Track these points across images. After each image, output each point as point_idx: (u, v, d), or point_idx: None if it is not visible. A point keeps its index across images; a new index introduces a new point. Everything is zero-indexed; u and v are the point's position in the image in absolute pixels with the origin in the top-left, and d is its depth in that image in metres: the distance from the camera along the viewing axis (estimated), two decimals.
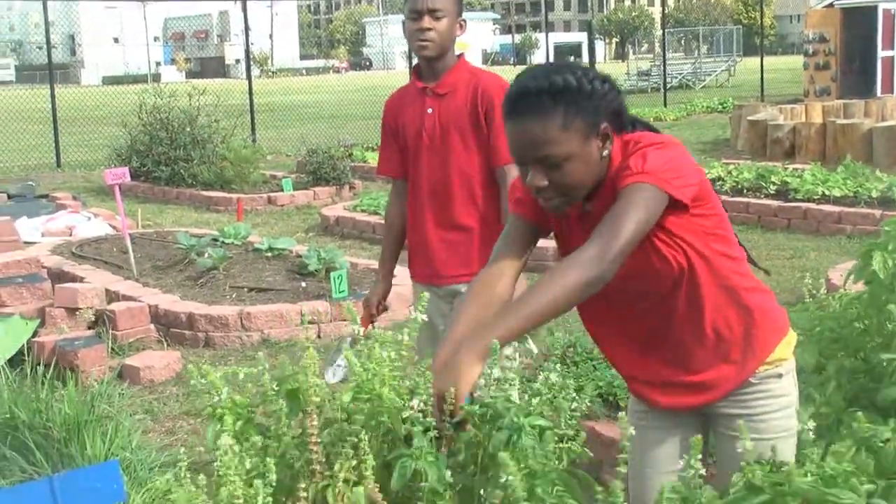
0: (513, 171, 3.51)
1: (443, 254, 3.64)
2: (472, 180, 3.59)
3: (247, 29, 20.67)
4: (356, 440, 1.69)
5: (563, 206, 2.20)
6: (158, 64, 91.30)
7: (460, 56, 3.66)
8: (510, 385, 1.95)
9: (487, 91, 3.55)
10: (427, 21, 3.51)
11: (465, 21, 3.64)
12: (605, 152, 2.18)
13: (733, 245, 2.34)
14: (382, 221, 9.77)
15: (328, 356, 3.66)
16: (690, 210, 2.18)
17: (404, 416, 1.79)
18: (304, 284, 7.20)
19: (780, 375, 2.38)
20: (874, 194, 9.64)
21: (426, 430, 1.76)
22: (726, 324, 2.32)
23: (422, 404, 1.83)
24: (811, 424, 2.07)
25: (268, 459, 1.65)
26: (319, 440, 1.74)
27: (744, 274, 2.36)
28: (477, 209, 3.61)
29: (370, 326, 3.83)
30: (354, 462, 1.70)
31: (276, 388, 1.84)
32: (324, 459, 1.74)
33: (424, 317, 2.17)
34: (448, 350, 1.98)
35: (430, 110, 3.61)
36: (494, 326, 1.96)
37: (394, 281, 3.97)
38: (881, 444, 1.94)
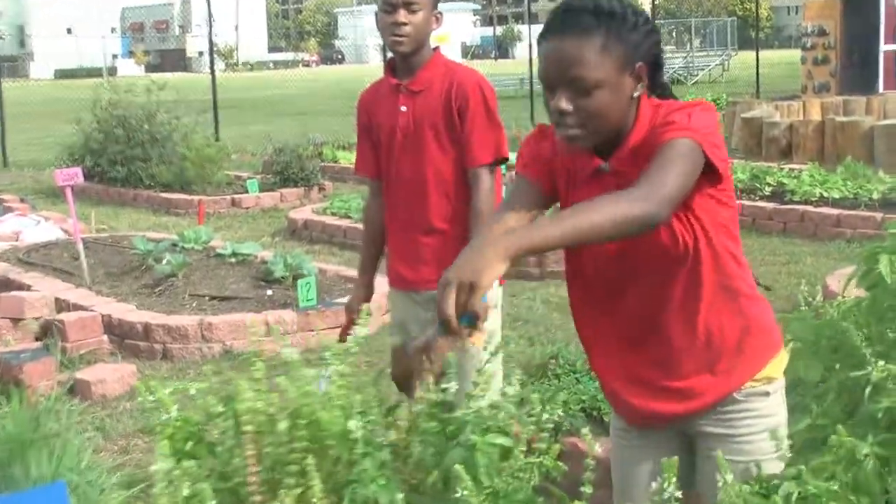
0: (485, 174, 3.55)
1: (423, 257, 3.66)
2: (447, 181, 3.61)
3: (210, 19, 20.63)
4: (300, 467, 1.68)
5: (580, 140, 2.21)
6: (115, 56, 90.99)
7: (436, 50, 3.67)
8: (481, 391, 1.94)
9: (462, 86, 3.57)
10: (402, 14, 3.52)
11: (441, 14, 3.65)
12: (636, 93, 2.22)
13: (740, 249, 2.37)
14: (354, 225, 9.92)
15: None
16: (716, 189, 2.22)
17: (352, 439, 1.76)
18: (269, 292, 7.18)
19: (767, 394, 2.38)
20: (875, 196, 9.70)
21: (368, 454, 1.73)
22: (719, 328, 2.32)
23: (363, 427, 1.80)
24: (787, 444, 2.08)
25: (205, 486, 1.63)
26: (260, 468, 1.72)
27: (747, 280, 2.37)
28: (452, 210, 3.62)
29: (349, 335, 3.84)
30: (299, 490, 1.68)
31: (223, 408, 1.82)
32: (266, 488, 1.72)
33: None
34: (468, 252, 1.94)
35: (403, 108, 3.62)
36: (531, 230, 1.96)
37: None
38: (860, 460, 1.95)
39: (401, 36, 3.53)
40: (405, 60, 3.62)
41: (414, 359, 1.96)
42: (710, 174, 2.16)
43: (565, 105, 2.17)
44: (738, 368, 2.35)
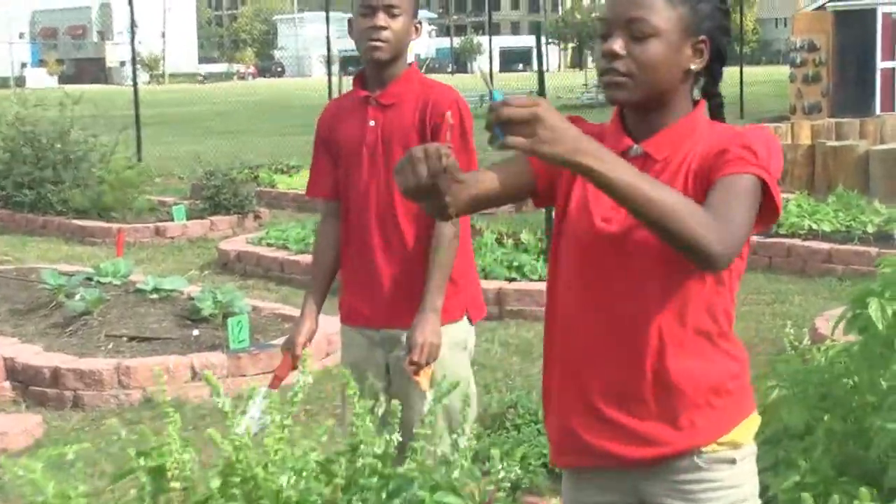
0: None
1: (383, 290, 3.69)
2: (412, 211, 3.63)
3: (133, 25, 20.58)
4: None
5: (624, 91, 2.31)
6: (24, 65, 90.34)
7: (411, 64, 3.74)
8: (439, 439, 1.95)
9: (439, 105, 3.63)
10: (382, 18, 3.57)
11: (420, 23, 3.75)
12: (693, 66, 2.35)
13: (734, 301, 2.42)
14: (292, 257, 9.93)
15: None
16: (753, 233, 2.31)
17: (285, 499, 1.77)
18: (196, 332, 7.15)
19: (733, 462, 2.39)
20: (870, 229, 9.83)
21: None
22: (689, 376, 2.34)
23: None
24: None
25: None
26: None
27: (729, 336, 2.41)
28: (416, 239, 3.66)
29: (293, 368, 3.87)
30: None
31: (139, 464, 1.82)
32: None
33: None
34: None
35: (372, 123, 3.67)
36: (612, 156, 2.03)
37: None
38: None
39: (379, 41, 3.58)
40: (378, 71, 3.67)
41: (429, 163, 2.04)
42: (760, 216, 2.24)
43: (619, 47, 2.30)
44: (702, 426, 2.36)
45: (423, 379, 3.55)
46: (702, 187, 2.24)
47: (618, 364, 2.37)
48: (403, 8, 3.62)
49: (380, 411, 2.07)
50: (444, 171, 2.07)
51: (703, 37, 2.35)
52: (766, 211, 2.25)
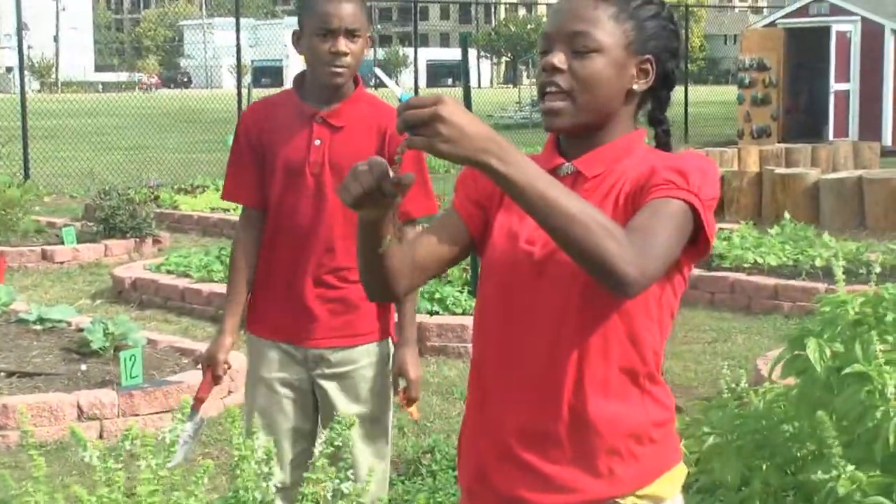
0: (407, 232, 3.66)
1: (312, 311, 3.78)
2: (352, 234, 3.67)
3: (20, 27, 20.38)
4: None
5: (563, 114, 2.36)
6: None
7: (357, 81, 3.82)
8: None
9: (398, 137, 3.64)
10: (343, 43, 3.66)
11: (372, 36, 3.84)
12: (636, 87, 2.41)
13: (665, 338, 2.43)
14: (194, 286, 9.88)
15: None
16: (686, 262, 2.35)
17: None
18: (83, 367, 7.09)
19: None
20: (818, 263, 9.94)
21: None
22: (609, 418, 2.35)
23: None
24: None
25: None
26: None
27: (656, 377, 2.43)
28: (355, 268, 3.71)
29: (215, 385, 3.98)
30: None
31: None
32: None
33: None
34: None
35: (317, 142, 3.73)
36: (526, 159, 2.07)
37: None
38: None
39: (342, 67, 3.66)
40: (326, 89, 3.74)
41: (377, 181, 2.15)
42: (690, 246, 2.28)
43: (559, 62, 2.35)
44: (621, 474, 2.37)
45: (414, 409, 3.88)
46: (632, 211, 2.27)
47: (534, 402, 2.38)
48: (362, 28, 3.71)
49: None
50: (388, 178, 2.14)
51: (648, 56, 2.41)
52: (697, 242, 2.28)
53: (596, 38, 2.35)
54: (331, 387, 3.78)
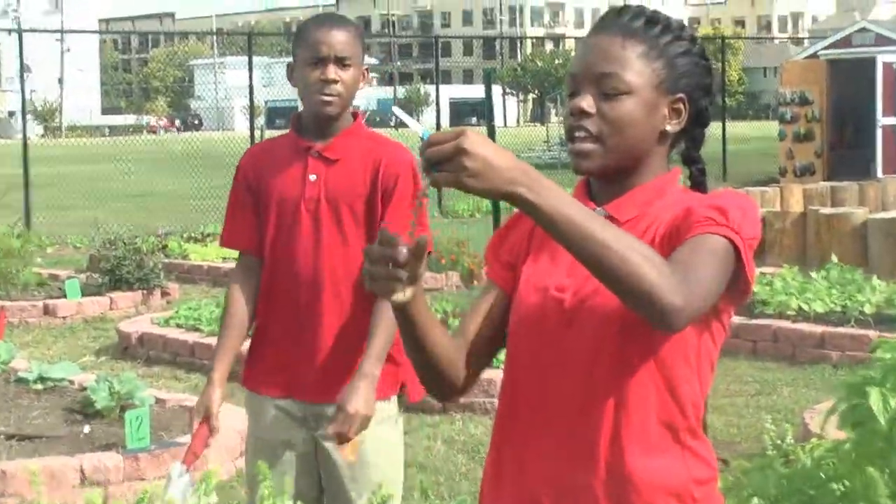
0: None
1: (322, 361, 3.79)
2: (355, 275, 3.75)
3: (22, 69, 20.54)
4: None
5: (592, 157, 2.37)
6: None
7: (356, 116, 3.89)
8: None
9: (393, 168, 3.79)
10: (333, 71, 3.73)
11: (368, 69, 3.91)
12: (669, 128, 2.42)
13: (707, 389, 2.42)
14: (205, 340, 9.85)
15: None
16: (726, 307, 2.35)
17: None
18: (87, 429, 7.08)
19: None
20: (868, 310, 9.88)
21: None
22: (649, 468, 2.32)
23: None
24: None
25: None
26: None
27: (699, 425, 2.41)
28: (364, 308, 3.75)
29: (208, 445, 3.94)
30: None
31: None
32: None
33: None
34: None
35: (313, 177, 3.79)
36: (558, 189, 2.06)
37: None
38: None
39: (331, 96, 3.73)
40: (320, 121, 3.81)
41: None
42: (730, 289, 2.27)
43: (587, 105, 2.36)
44: None
45: (348, 449, 3.67)
46: (668, 253, 2.25)
47: (568, 456, 2.37)
48: (354, 58, 3.78)
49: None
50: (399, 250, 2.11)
51: (680, 95, 2.41)
52: (737, 284, 2.27)
53: (625, 79, 2.36)
54: (334, 448, 3.75)
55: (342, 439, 3.65)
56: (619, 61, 2.37)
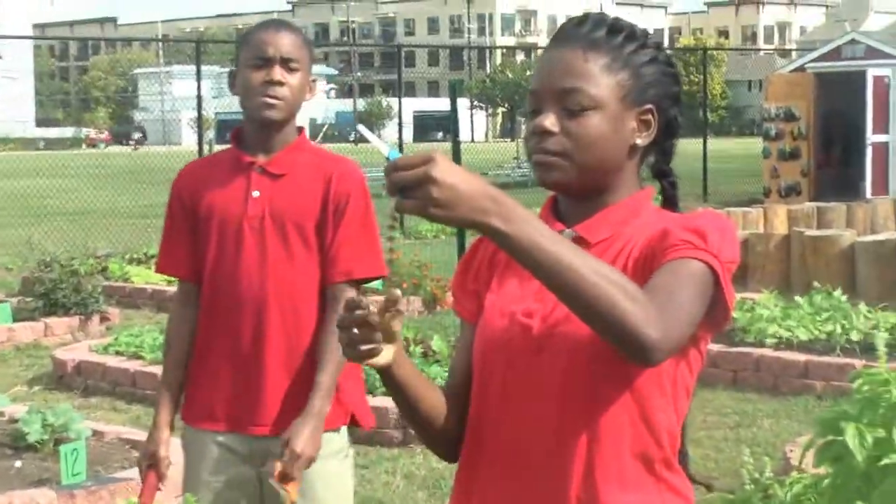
0: (347, 293, 3.68)
1: (267, 391, 3.79)
2: (298, 295, 3.79)
3: None
4: None
5: (558, 175, 2.39)
6: None
7: (301, 130, 3.90)
8: None
9: (344, 185, 3.81)
10: (279, 72, 3.74)
11: (315, 80, 3.92)
12: (638, 141, 2.43)
13: (683, 420, 2.44)
14: (147, 369, 9.84)
15: None
16: (704, 333, 2.37)
17: None
18: (17, 464, 7.06)
19: None
20: (855, 337, 9.92)
21: None
22: (623, 502, 2.37)
23: None
24: None
25: None
26: None
27: (675, 457, 2.44)
28: (310, 335, 3.80)
29: (159, 490, 3.93)
30: None
31: None
32: None
33: None
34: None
35: (256, 193, 3.79)
36: (532, 218, 2.08)
37: None
38: None
39: (275, 98, 3.74)
40: (263, 133, 3.82)
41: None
42: (708, 316, 2.29)
43: (550, 124, 2.37)
44: None
45: (292, 489, 3.68)
46: (643, 278, 2.28)
47: (538, 492, 2.39)
48: (301, 63, 3.80)
49: None
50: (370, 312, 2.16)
51: (648, 106, 2.43)
52: (715, 310, 2.29)
53: (589, 93, 2.37)
54: (277, 486, 3.73)
55: (286, 479, 3.66)
56: (582, 75, 2.38)
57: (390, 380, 2.32)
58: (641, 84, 2.42)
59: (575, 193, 2.44)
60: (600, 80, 2.38)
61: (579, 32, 2.43)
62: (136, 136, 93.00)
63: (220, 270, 3.82)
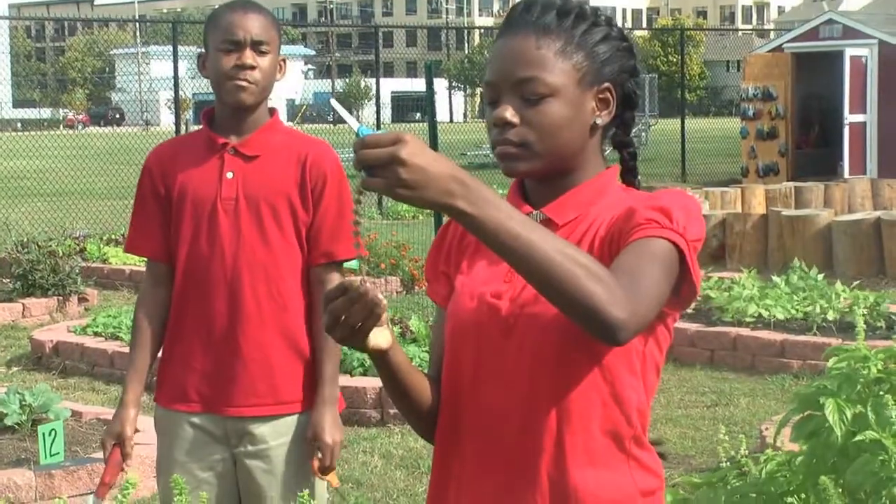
0: (336, 276, 3.74)
1: (242, 372, 3.81)
2: (279, 279, 3.81)
3: None
4: None
5: (522, 163, 2.40)
6: None
7: (273, 111, 3.91)
8: None
9: (319, 163, 3.82)
10: (250, 55, 3.75)
11: (285, 60, 3.91)
12: (599, 121, 2.45)
13: (652, 395, 2.47)
14: (125, 349, 9.80)
15: None
16: (671, 310, 2.39)
17: None
18: None
19: None
20: (831, 316, 10.00)
21: None
22: (592, 479, 2.37)
23: None
24: None
25: None
26: None
27: (645, 435, 2.46)
28: (286, 315, 3.82)
29: (123, 471, 3.90)
30: None
31: None
32: None
33: None
34: None
35: (229, 174, 3.80)
36: (497, 200, 2.09)
37: None
38: None
39: (246, 82, 3.74)
40: (236, 115, 3.82)
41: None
42: (675, 293, 2.32)
43: (510, 115, 2.38)
44: None
45: (332, 478, 3.85)
46: (609, 257, 2.31)
47: (510, 471, 2.41)
48: (271, 45, 3.80)
49: None
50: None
51: (606, 84, 2.45)
52: (682, 288, 2.32)
53: (546, 81, 2.39)
54: (256, 467, 3.81)
55: (325, 471, 3.81)
56: (535, 63, 2.39)
57: (385, 365, 2.35)
58: (597, 64, 2.44)
59: (540, 177, 2.46)
60: (555, 65, 2.39)
61: (529, 18, 2.43)
62: (80, 116, 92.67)
63: (194, 251, 3.82)
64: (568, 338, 2.31)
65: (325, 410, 3.78)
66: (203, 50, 3.88)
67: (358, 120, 2.59)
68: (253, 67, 3.74)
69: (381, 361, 2.34)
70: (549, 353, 2.35)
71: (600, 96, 2.45)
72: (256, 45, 3.75)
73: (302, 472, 3.85)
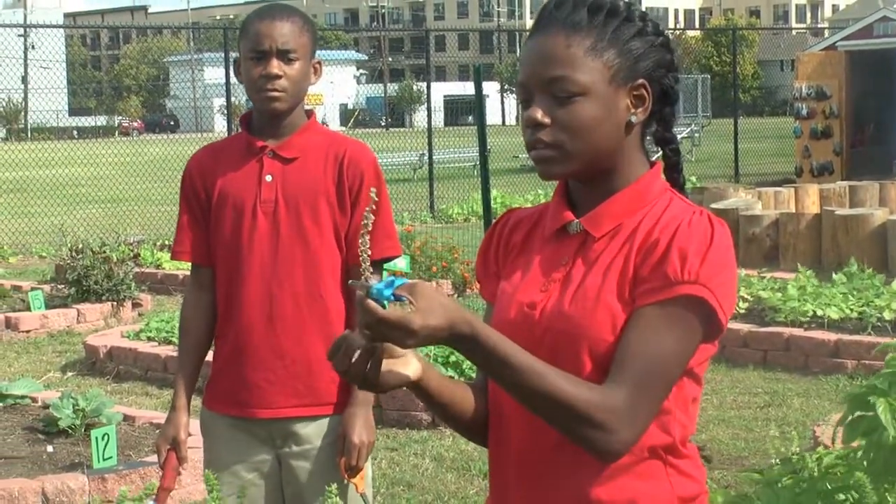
0: (372, 277, 3.69)
1: (283, 375, 3.84)
2: (318, 280, 3.83)
3: None
4: None
5: (556, 165, 2.39)
6: None
7: (311, 113, 3.92)
8: None
9: (357, 163, 3.83)
10: (276, 65, 3.75)
11: (320, 63, 3.92)
12: (634, 119, 2.41)
13: (697, 404, 2.46)
14: (177, 354, 9.82)
15: None
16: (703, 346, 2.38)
17: None
18: (50, 449, 7.10)
19: None
20: (887, 316, 9.90)
21: None
22: (631, 491, 2.36)
23: None
24: None
25: None
26: None
27: (687, 449, 2.44)
28: (328, 318, 3.83)
29: (179, 475, 3.94)
30: None
31: None
32: None
33: None
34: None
35: (269, 177, 3.82)
36: (493, 333, 2.21)
37: None
38: None
39: (275, 91, 3.75)
40: (273, 120, 3.83)
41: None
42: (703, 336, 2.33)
43: (541, 116, 2.36)
44: None
45: (359, 481, 3.82)
46: (628, 293, 2.33)
47: (549, 485, 2.40)
48: (300, 51, 3.79)
49: None
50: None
51: (640, 81, 2.40)
52: (708, 329, 2.32)
53: (576, 79, 2.35)
54: (300, 467, 3.83)
55: (353, 472, 3.79)
56: (565, 62, 2.36)
57: (420, 392, 2.35)
58: (630, 60, 2.40)
59: (579, 179, 2.44)
60: (585, 63, 2.36)
61: (560, 16, 2.40)
62: (135, 123, 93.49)
63: (234, 255, 3.85)
64: (598, 354, 2.32)
65: (356, 411, 3.79)
66: (238, 55, 3.90)
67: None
68: (279, 76, 3.75)
69: (416, 390, 2.35)
70: (579, 367, 2.34)
71: (635, 93, 2.40)
72: (283, 54, 3.76)
73: (335, 476, 3.86)
